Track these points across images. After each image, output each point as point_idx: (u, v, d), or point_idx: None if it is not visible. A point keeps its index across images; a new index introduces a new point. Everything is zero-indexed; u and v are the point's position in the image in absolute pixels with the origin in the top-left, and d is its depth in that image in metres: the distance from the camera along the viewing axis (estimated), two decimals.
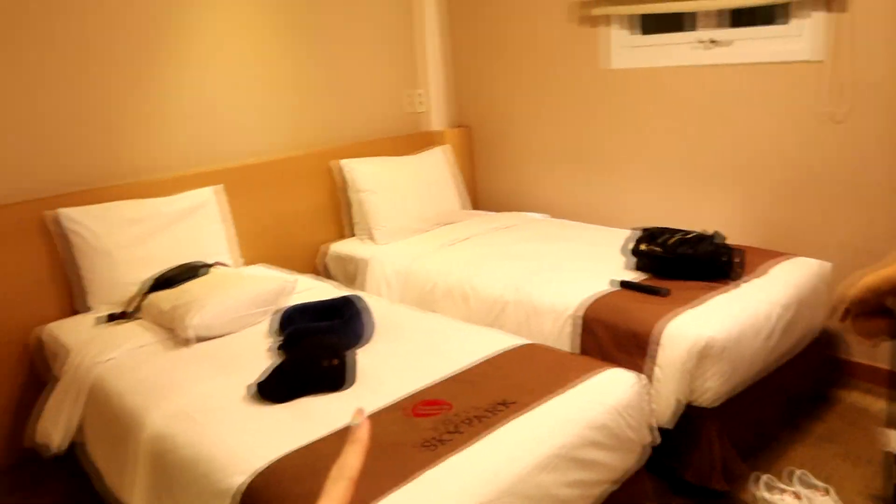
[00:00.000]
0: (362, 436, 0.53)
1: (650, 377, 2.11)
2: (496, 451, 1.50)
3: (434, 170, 3.64)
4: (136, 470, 1.84)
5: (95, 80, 2.75)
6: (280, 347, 2.10)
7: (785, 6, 2.78)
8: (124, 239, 2.65)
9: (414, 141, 3.83)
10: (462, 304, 2.71)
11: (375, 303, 2.47)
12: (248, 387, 1.85)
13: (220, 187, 2.99)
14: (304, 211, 3.38)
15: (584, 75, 3.46)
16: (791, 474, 2.12)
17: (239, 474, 1.53)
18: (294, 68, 3.35)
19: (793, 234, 2.88)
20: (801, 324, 2.41)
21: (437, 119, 4.05)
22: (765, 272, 2.47)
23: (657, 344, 2.11)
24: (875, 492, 2.13)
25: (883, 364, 2.74)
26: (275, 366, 1.88)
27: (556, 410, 1.65)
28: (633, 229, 2.79)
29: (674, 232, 2.61)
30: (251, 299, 2.35)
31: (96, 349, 2.24)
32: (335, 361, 1.85)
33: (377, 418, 1.67)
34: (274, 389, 1.83)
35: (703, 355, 2.03)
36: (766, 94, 2.87)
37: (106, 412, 2.04)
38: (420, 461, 1.46)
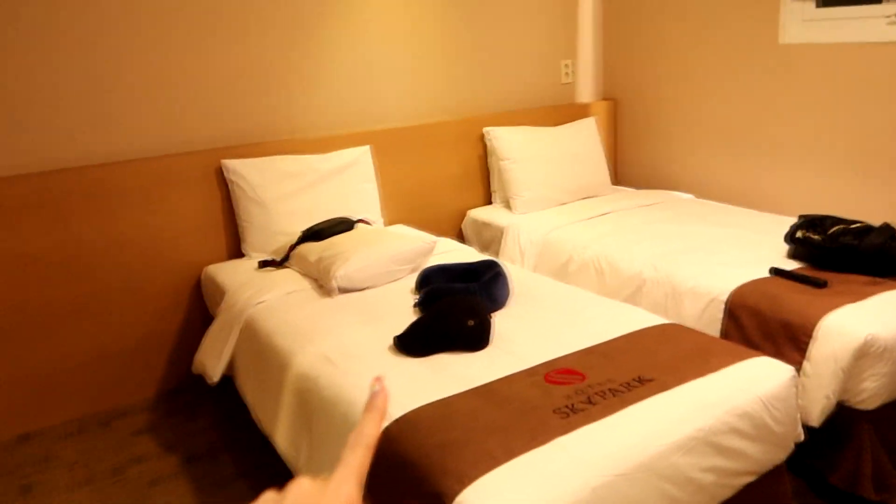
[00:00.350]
0: (381, 404, 0.51)
1: (798, 371, 1.98)
2: (631, 426, 1.48)
3: (580, 142, 3.57)
4: (280, 405, 1.98)
5: (264, 41, 2.92)
6: (417, 304, 2.17)
7: None
8: (279, 191, 2.82)
9: (561, 112, 3.78)
10: (597, 278, 2.67)
11: (512, 269, 2.49)
12: (393, 339, 1.93)
13: (367, 148, 3.10)
14: (448, 176, 3.43)
15: (749, 49, 3.24)
16: None
17: None
18: (446, 35, 3.39)
19: None
20: None
21: (584, 91, 3.97)
22: None
23: (809, 337, 1.98)
24: None
25: None
26: (416, 321, 1.95)
27: (697, 393, 1.59)
28: (798, 217, 2.61)
29: (836, 221, 2.42)
30: (392, 256, 2.43)
31: (249, 292, 2.41)
32: (473, 322, 1.89)
33: (511, 381, 1.69)
34: (413, 343, 1.90)
35: (862, 353, 1.88)
36: None
37: (256, 350, 2.21)
38: (554, 427, 1.47)
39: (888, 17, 2.76)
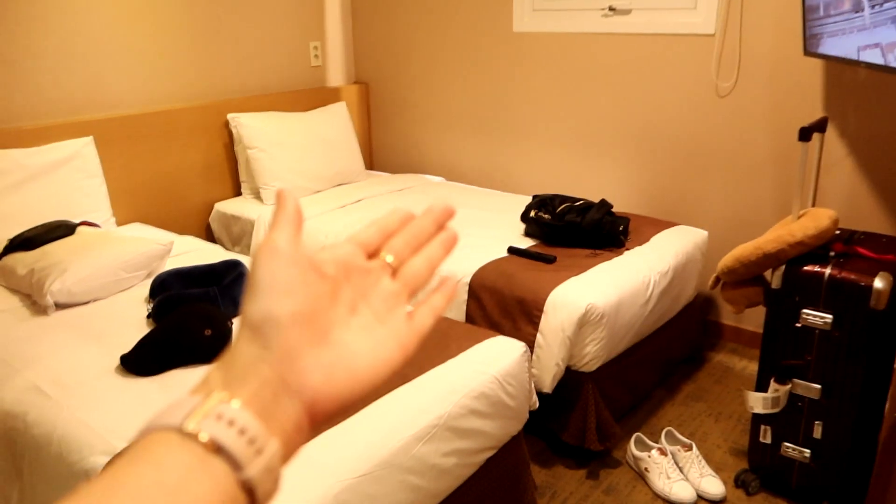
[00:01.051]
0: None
1: (533, 343, 2.14)
2: (372, 424, 1.48)
3: (331, 127, 3.51)
4: None
5: None
6: (150, 315, 1.98)
7: None
8: None
9: (311, 96, 3.68)
10: None
11: None
12: (119, 358, 1.73)
13: (90, 139, 2.75)
14: (191, 167, 3.19)
15: (488, 37, 3.41)
16: (660, 431, 2.23)
17: (98, 454, 1.43)
18: (184, 12, 3.11)
19: (677, 203, 2.99)
20: (677, 289, 2.52)
21: (335, 74, 3.91)
22: (647, 240, 2.56)
23: (541, 311, 2.14)
24: (733, 444, 2.28)
25: (748, 326, 2.92)
26: (145, 336, 1.77)
27: (436, 380, 1.64)
28: (532, 197, 2.81)
29: (564, 199, 2.64)
30: (120, 263, 2.19)
31: None
32: (210, 331, 1.76)
33: None
34: (143, 361, 1.72)
35: (583, 322, 2.08)
36: (660, 64, 2.93)
37: None
38: None
39: (602, 10, 3.06)
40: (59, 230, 2.38)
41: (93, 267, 2.13)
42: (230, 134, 3.29)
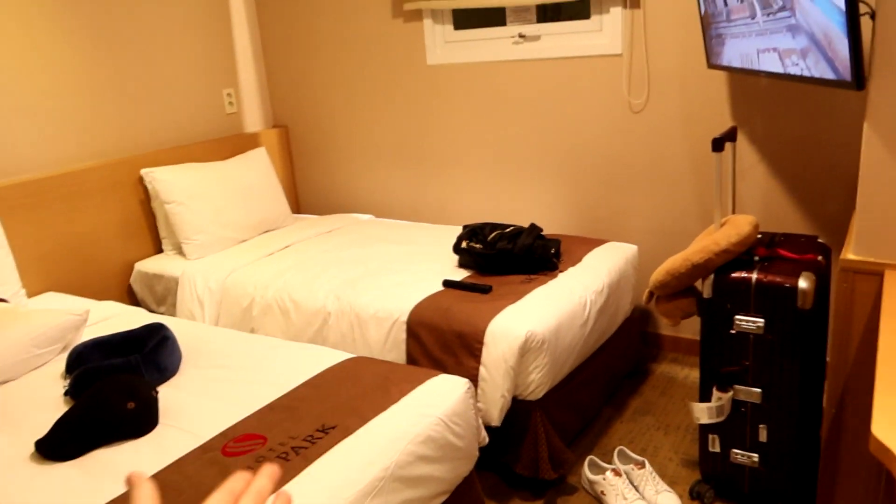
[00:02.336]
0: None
1: (477, 377, 2.10)
2: (316, 484, 1.40)
3: (252, 174, 3.42)
4: None
5: None
6: (67, 393, 1.85)
7: (585, 2, 2.90)
8: None
9: (228, 144, 3.58)
10: (283, 319, 2.56)
11: (185, 328, 2.27)
12: (34, 444, 1.60)
13: None
14: (106, 227, 3.03)
15: (403, 71, 3.41)
16: (612, 451, 2.22)
17: None
18: (85, 68, 2.98)
19: (605, 220, 3.03)
20: (613, 306, 2.53)
21: (251, 120, 3.83)
22: (579, 260, 2.57)
23: (481, 343, 2.11)
24: (684, 456, 2.28)
25: (686, 334, 2.96)
26: (62, 417, 1.64)
27: (380, 429, 1.57)
28: (462, 227, 2.79)
29: (495, 227, 2.63)
30: (31, 339, 2.04)
31: None
32: (132, 404, 1.65)
33: (183, 464, 1.50)
34: (58, 444, 1.59)
35: (525, 350, 2.05)
36: (574, 87, 2.98)
37: None
38: None
39: (512, 37, 3.10)
40: None
41: (1, 346, 1.98)
42: (146, 190, 3.16)
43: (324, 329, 2.45)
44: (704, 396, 2.01)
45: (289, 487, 1.39)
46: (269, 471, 0.56)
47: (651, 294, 2.09)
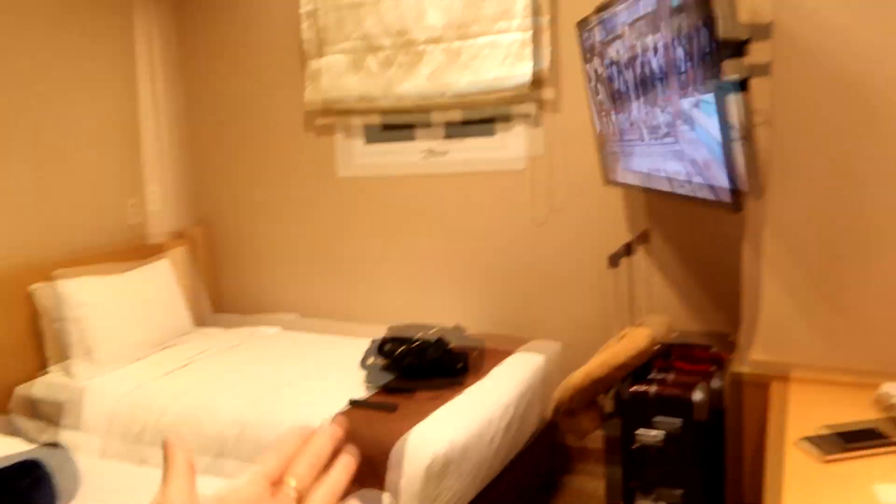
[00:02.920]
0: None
1: None
2: None
3: (153, 286, 3.29)
4: None
5: None
6: None
7: (490, 120, 3.04)
8: None
9: (131, 254, 3.44)
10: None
11: (74, 459, 2.08)
12: None
13: None
14: None
15: (316, 181, 3.48)
16: None
17: None
18: None
19: (530, 316, 3.08)
20: (525, 418, 2.52)
21: (162, 225, 3.72)
22: (486, 373, 2.56)
23: (385, 467, 2.03)
24: None
25: (594, 445, 2.96)
26: None
27: None
28: (372, 340, 2.75)
29: (401, 340, 2.61)
30: None
31: None
32: None
33: None
34: None
35: (430, 473, 1.99)
36: (480, 199, 3.09)
37: None
38: None
39: (422, 152, 3.20)
40: None
41: None
42: (34, 306, 2.98)
43: (223, 456, 2.31)
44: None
45: None
46: (347, 463, 0.49)
47: (556, 409, 2.09)
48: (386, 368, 2.48)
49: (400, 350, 2.53)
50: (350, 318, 3.47)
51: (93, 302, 2.99)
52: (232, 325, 3.51)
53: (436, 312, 3.26)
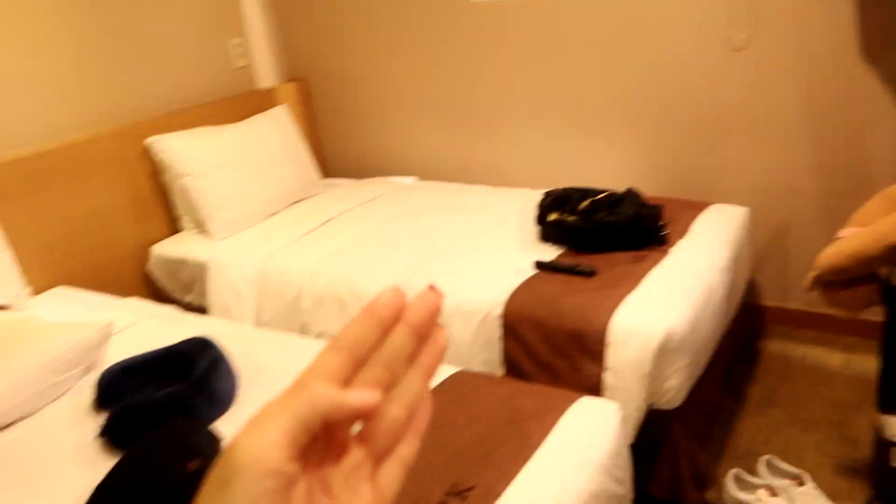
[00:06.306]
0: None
1: (599, 386, 1.72)
2: None
3: (273, 136, 2.96)
4: None
5: None
6: (104, 433, 1.45)
7: None
8: None
9: (241, 103, 3.09)
10: (339, 313, 2.15)
11: (227, 331, 1.85)
12: None
13: None
14: (113, 208, 2.58)
15: (442, 12, 2.91)
16: (743, 453, 1.85)
17: None
18: (68, 24, 2.48)
19: (700, 179, 2.59)
20: (738, 283, 2.14)
21: (265, 73, 3.34)
22: (687, 230, 2.16)
23: (603, 344, 1.71)
24: (836, 460, 1.93)
25: (794, 305, 2.58)
26: (101, 485, 1.24)
27: (532, 490, 1.18)
28: (545, 193, 2.36)
29: (582, 193, 2.21)
30: (46, 364, 1.63)
31: None
32: (194, 464, 1.25)
33: None
34: None
35: (663, 353, 1.66)
36: (655, 19, 2.50)
37: None
38: None
39: None
40: None
41: (11, 377, 1.57)
42: (153, 162, 2.69)
43: None
44: (888, 405, 1.63)
45: None
46: (442, 338, 0.38)
47: (816, 279, 1.68)
48: (572, 227, 2.09)
49: (586, 203, 2.14)
50: (476, 181, 3.03)
51: (213, 156, 2.69)
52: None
53: (593, 176, 2.78)
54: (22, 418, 1.59)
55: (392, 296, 0.36)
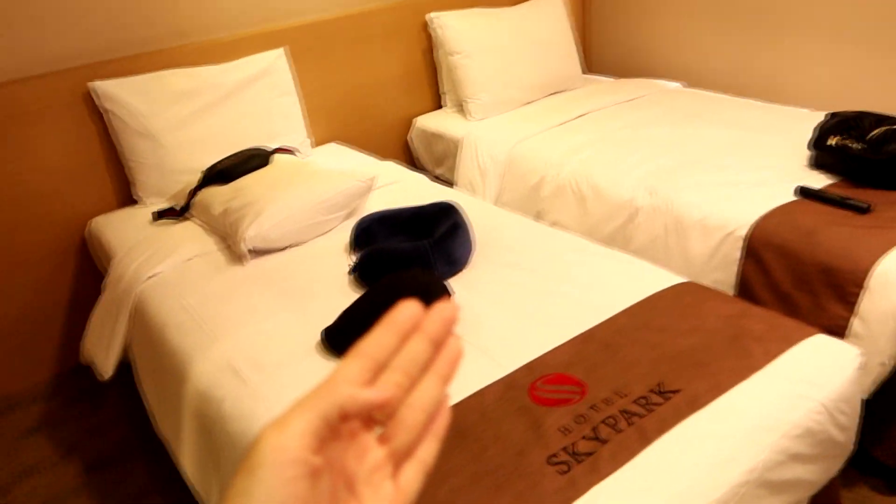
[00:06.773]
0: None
1: (843, 331, 1.56)
2: (659, 482, 1.04)
3: (544, 24, 2.94)
4: (183, 426, 1.50)
5: None
6: (354, 270, 1.67)
7: None
8: (171, 118, 2.21)
9: None
10: (577, 206, 2.17)
11: (471, 205, 1.97)
12: (321, 334, 1.44)
13: (282, 51, 2.45)
14: (388, 78, 2.81)
15: None
16: None
17: None
18: None
19: None
20: None
21: None
22: None
23: (860, 287, 1.54)
24: None
25: None
26: (350, 308, 1.45)
27: (741, 409, 1.15)
28: (826, 115, 2.11)
29: (878, 119, 1.93)
30: (317, 204, 1.88)
31: (139, 260, 1.87)
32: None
33: (484, 400, 1.22)
34: (345, 339, 1.41)
35: None
36: None
37: (150, 342, 1.70)
38: (551, 494, 1.02)
39: None
40: (254, 160, 2.13)
41: (290, 209, 1.84)
42: (429, 38, 2.84)
43: (628, 227, 2.02)
44: None
45: (617, 481, 1.04)
46: (457, 347, 0.40)
47: None
48: (856, 155, 1.85)
49: (878, 131, 1.87)
50: (750, 95, 2.73)
51: (484, 38, 2.75)
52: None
53: (885, 103, 2.39)
54: (292, 245, 1.87)
55: (411, 309, 0.40)
